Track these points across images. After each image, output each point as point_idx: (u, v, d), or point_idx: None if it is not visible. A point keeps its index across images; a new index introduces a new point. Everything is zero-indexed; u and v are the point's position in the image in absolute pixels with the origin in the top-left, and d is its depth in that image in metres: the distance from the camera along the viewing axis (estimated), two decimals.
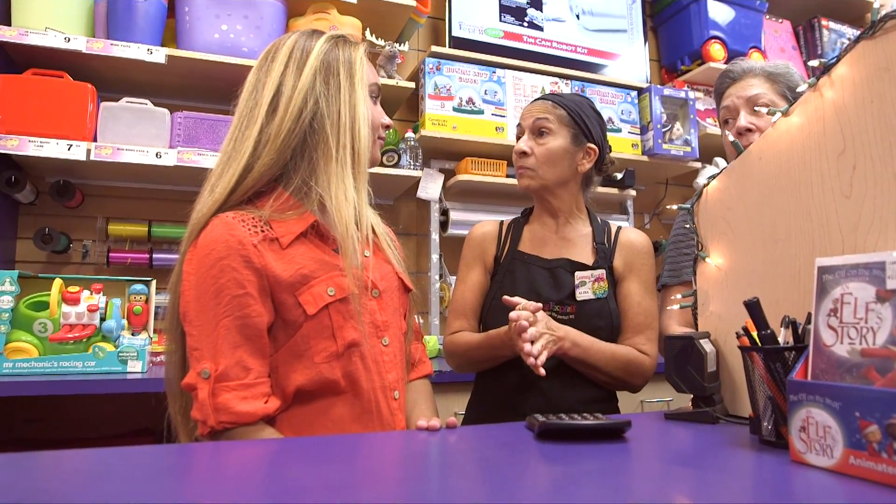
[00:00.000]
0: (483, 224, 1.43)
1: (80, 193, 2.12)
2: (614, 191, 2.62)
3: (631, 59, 2.83)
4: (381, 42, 2.28)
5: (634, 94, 2.68)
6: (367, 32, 2.28)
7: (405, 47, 2.36)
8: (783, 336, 0.76)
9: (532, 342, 1.05)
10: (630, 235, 1.34)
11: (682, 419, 0.91)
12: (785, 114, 0.85)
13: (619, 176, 2.57)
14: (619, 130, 2.61)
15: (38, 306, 1.60)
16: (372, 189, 1.04)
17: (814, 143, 0.82)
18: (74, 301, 1.59)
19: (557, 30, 2.72)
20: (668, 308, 1.19)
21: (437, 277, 2.46)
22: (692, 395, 0.96)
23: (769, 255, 0.88)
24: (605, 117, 2.57)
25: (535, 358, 1.03)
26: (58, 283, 1.60)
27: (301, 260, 0.94)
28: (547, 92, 2.53)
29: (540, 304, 1.10)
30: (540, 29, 2.68)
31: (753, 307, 0.73)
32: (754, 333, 0.76)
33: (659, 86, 2.71)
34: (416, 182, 2.39)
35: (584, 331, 1.22)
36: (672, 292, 1.36)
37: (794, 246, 0.84)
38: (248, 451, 0.75)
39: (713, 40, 2.78)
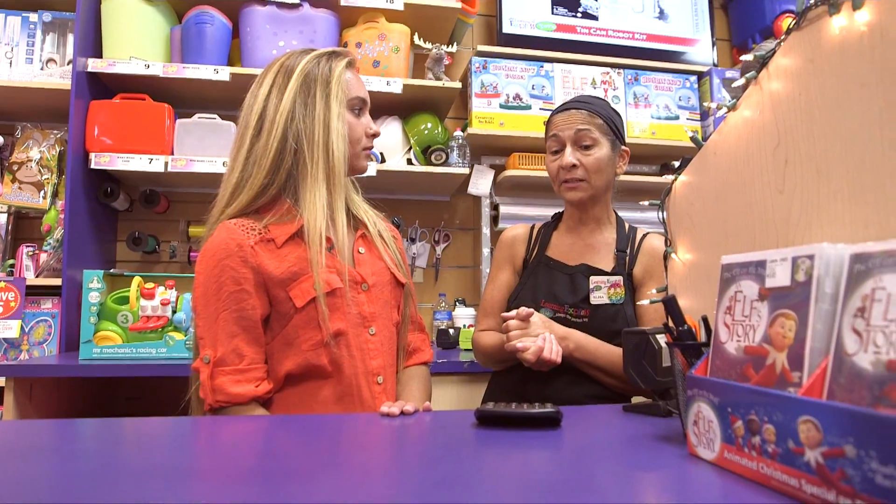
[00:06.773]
0: (515, 227, 1.50)
1: (166, 200, 2.40)
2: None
3: (697, 42, 2.72)
4: (427, 45, 2.37)
5: (694, 78, 2.58)
6: (416, 37, 2.38)
7: (454, 48, 2.43)
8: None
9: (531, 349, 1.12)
10: (653, 242, 1.35)
11: (637, 412, 0.92)
12: (733, 108, 0.84)
13: (677, 164, 2.48)
14: (676, 118, 2.52)
15: (121, 300, 1.86)
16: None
17: (756, 137, 0.81)
18: (150, 296, 1.83)
19: (613, 17, 2.67)
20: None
21: (489, 271, 2.51)
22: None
23: (723, 251, 0.88)
24: (662, 105, 2.52)
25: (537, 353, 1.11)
26: (136, 280, 1.84)
27: (293, 259, 1.06)
28: (598, 83, 2.50)
29: (532, 311, 1.15)
30: (594, 18, 2.65)
31: (669, 303, 0.75)
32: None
33: (721, 68, 2.59)
34: (466, 178, 2.45)
35: (600, 334, 1.25)
36: None
37: (742, 242, 0.84)
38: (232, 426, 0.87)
39: (786, 14, 2.60)
